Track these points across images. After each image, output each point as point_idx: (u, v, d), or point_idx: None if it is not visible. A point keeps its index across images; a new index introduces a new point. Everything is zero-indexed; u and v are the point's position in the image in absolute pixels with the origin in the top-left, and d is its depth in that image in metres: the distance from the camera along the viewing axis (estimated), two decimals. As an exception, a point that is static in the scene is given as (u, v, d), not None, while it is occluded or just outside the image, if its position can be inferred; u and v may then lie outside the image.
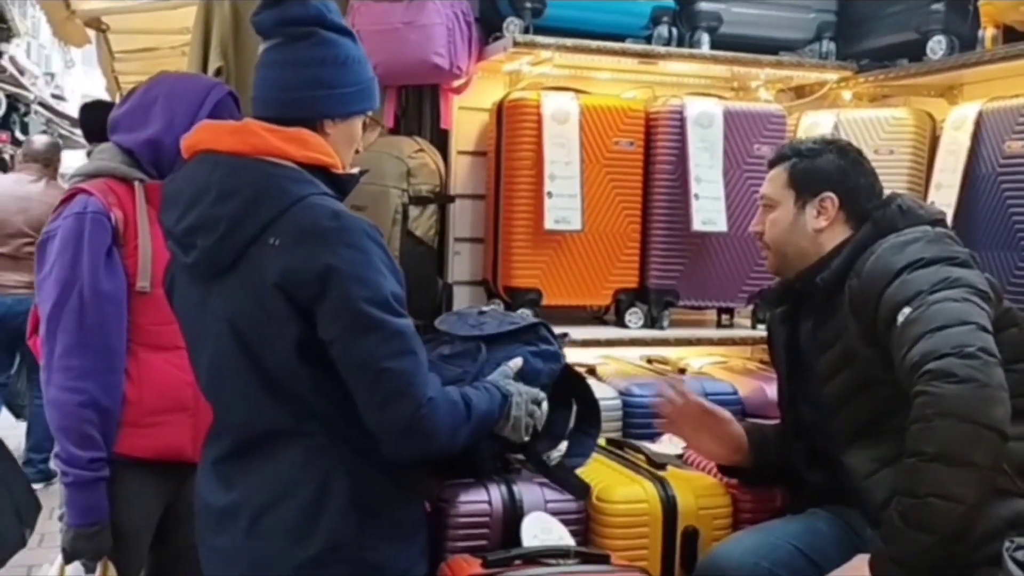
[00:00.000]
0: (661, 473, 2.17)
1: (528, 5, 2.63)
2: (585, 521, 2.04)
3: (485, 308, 2.21)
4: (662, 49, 2.80)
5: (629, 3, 2.80)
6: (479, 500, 1.96)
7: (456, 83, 2.80)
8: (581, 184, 2.71)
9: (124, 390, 2.06)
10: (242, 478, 1.69)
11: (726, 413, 2.20)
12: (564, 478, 2.04)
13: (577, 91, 2.81)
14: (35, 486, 5.06)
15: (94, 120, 3.23)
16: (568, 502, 2.01)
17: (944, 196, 2.58)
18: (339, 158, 1.70)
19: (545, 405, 1.90)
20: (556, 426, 2.04)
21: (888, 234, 1.95)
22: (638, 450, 2.30)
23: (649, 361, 2.99)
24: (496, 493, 1.98)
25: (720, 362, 3.01)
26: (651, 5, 2.81)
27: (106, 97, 6.64)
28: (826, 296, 2.00)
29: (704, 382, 2.70)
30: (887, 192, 2.10)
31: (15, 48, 12.79)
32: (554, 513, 1.98)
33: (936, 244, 1.89)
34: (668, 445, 2.43)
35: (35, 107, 13.99)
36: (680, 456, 2.35)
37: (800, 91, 3.14)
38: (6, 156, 12.34)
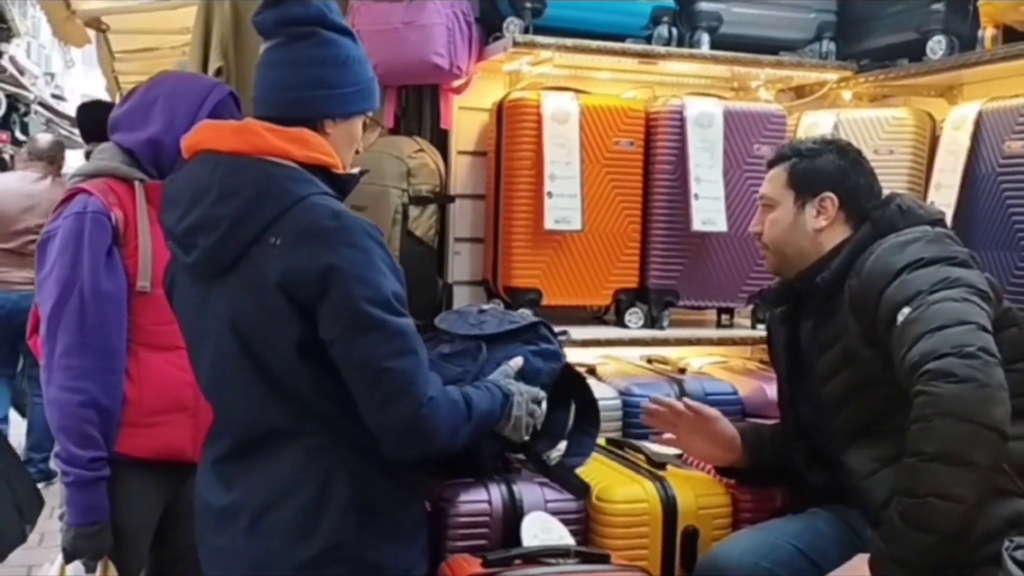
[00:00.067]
0: (661, 473, 2.17)
1: (528, 5, 2.63)
2: (585, 521, 2.04)
3: (485, 307, 2.20)
4: (662, 49, 2.80)
5: (629, 3, 2.80)
6: (479, 500, 1.96)
7: (456, 83, 2.80)
8: (581, 184, 2.71)
9: (124, 390, 2.07)
10: (242, 478, 1.69)
11: (713, 411, 2.20)
12: (564, 477, 2.04)
13: (577, 91, 2.81)
14: (39, 486, 5.07)
15: (91, 120, 3.24)
16: (568, 502, 2.01)
17: (944, 196, 2.58)
18: (339, 158, 1.70)
19: (544, 404, 1.90)
20: (555, 426, 2.05)
21: (888, 234, 1.95)
22: (638, 450, 2.30)
23: (649, 361, 2.98)
24: (496, 493, 1.98)
25: (720, 362, 3.01)
26: (651, 5, 2.81)
27: (106, 97, 6.65)
28: (826, 296, 2.00)
29: (704, 382, 2.70)
30: (886, 192, 2.10)
31: (15, 48, 12.79)
32: (554, 513, 1.98)
33: (936, 244, 1.89)
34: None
35: (35, 107, 13.99)
36: (680, 456, 2.34)
37: (800, 91, 3.14)
38: (6, 156, 12.35)
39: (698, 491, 2.12)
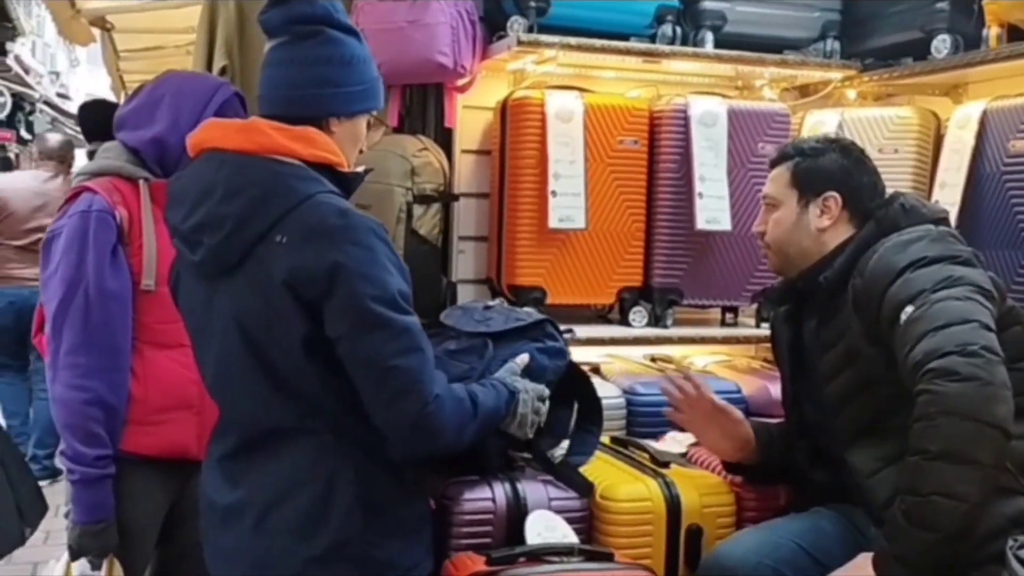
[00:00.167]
0: (665, 471, 2.17)
1: (532, 4, 2.63)
2: (589, 519, 2.05)
3: (491, 303, 2.21)
4: (666, 48, 2.80)
5: (633, 2, 2.80)
6: (483, 498, 1.96)
7: (460, 82, 2.80)
8: (585, 183, 2.71)
9: (129, 388, 2.07)
10: (248, 476, 1.70)
11: (739, 413, 2.20)
12: (568, 476, 2.04)
13: (581, 90, 2.81)
14: (40, 483, 5.09)
15: (92, 120, 3.24)
16: (572, 500, 2.02)
17: (948, 195, 2.58)
18: (344, 157, 1.71)
19: (547, 402, 1.90)
20: (557, 425, 2.05)
21: (891, 233, 1.95)
22: (642, 448, 2.30)
23: (653, 360, 2.99)
24: (500, 491, 1.98)
25: (724, 361, 3.01)
26: (655, 4, 2.81)
27: (111, 96, 6.67)
28: (829, 295, 2.00)
29: (708, 381, 2.69)
30: (890, 191, 2.10)
31: (20, 47, 12.81)
32: (558, 511, 1.98)
33: (939, 243, 1.89)
34: (672, 444, 2.43)
35: (40, 106, 14.01)
36: (684, 455, 2.35)
37: (804, 90, 3.14)
38: (11, 155, 12.37)
39: (702, 490, 2.13)
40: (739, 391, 2.67)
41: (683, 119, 2.78)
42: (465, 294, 2.89)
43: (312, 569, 1.63)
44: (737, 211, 2.79)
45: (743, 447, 2.17)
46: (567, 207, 2.69)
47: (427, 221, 2.76)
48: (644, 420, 2.59)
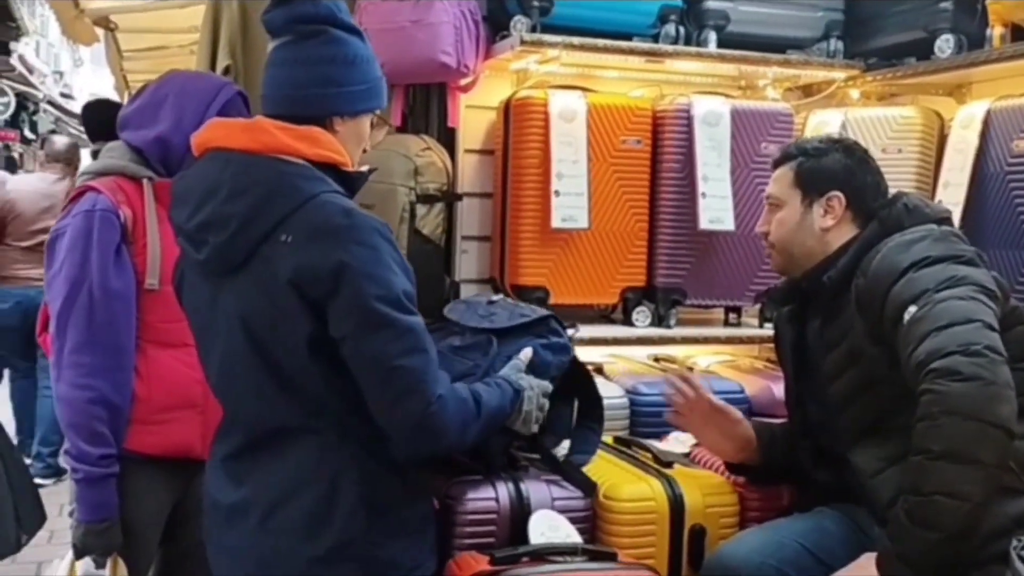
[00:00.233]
0: (668, 471, 2.17)
1: (535, 4, 2.63)
2: (592, 519, 2.04)
3: (494, 297, 2.20)
4: (669, 48, 2.80)
5: (636, 2, 2.80)
6: (486, 498, 1.96)
7: (463, 81, 2.80)
8: (588, 182, 2.71)
9: (133, 387, 2.08)
10: (252, 475, 1.70)
11: (737, 413, 2.20)
12: (572, 475, 2.04)
13: (584, 89, 2.81)
14: (44, 482, 5.13)
15: (96, 119, 3.25)
16: (575, 500, 2.01)
17: (952, 195, 2.58)
18: (348, 156, 1.71)
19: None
20: (559, 421, 2.05)
21: (894, 233, 1.95)
22: (645, 448, 2.30)
23: (656, 360, 2.99)
24: (503, 491, 1.98)
25: (727, 361, 3.01)
26: (658, 4, 2.81)
27: (115, 96, 6.68)
28: (832, 295, 2.00)
29: (712, 381, 2.70)
30: (893, 191, 2.10)
31: (24, 47, 12.85)
32: (561, 511, 1.98)
33: (942, 242, 1.88)
34: (675, 444, 2.43)
35: (44, 106, 14.06)
36: (687, 455, 2.35)
37: (808, 90, 3.13)
38: (15, 154, 12.40)
39: (705, 490, 2.12)
40: (742, 391, 2.67)
41: (686, 119, 2.78)
42: (468, 294, 2.89)
43: (316, 568, 1.63)
44: (740, 211, 2.79)
45: (744, 447, 2.17)
46: (570, 207, 2.69)
47: (430, 221, 2.76)
48: (647, 420, 2.59)
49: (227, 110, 2.12)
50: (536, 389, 1.86)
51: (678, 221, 2.81)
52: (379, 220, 1.63)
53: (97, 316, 2.02)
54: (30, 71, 13.11)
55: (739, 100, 2.93)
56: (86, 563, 2.06)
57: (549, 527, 1.93)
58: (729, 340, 2.95)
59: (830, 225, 2.06)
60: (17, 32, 11.87)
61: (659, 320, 2.84)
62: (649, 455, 2.27)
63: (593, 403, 2.14)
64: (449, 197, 2.82)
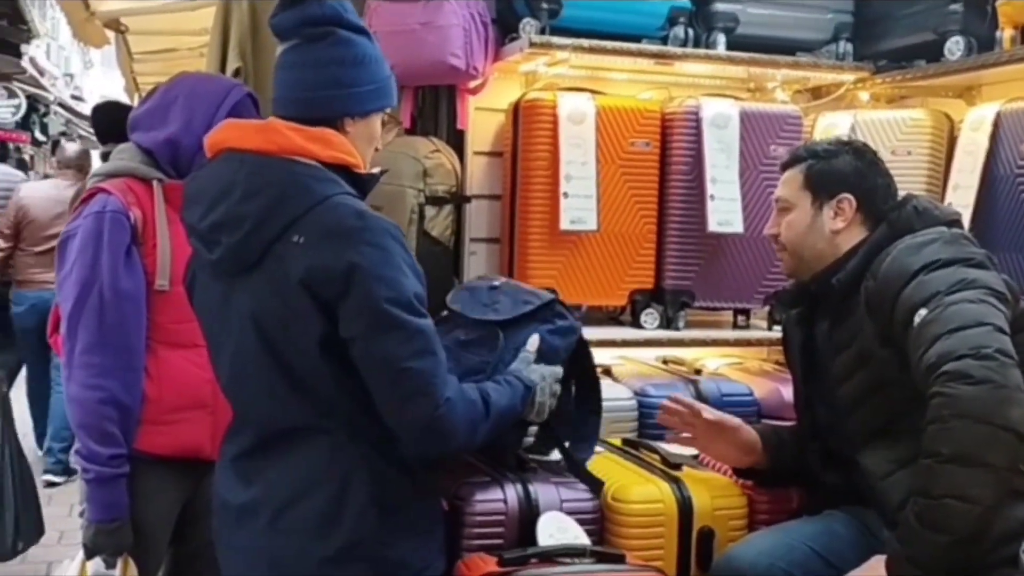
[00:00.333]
0: (676, 473, 2.17)
1: (544, 6, 2.63)
2: (600, 521, 2.05)
3: (496, 281, 2.17)
4: (678, 50, 2.80)
5: (645, 4, 2.80)
6: (495, 499, 1.97)
7: (472, 84, 2.80)
8: (597, 184, 2.71)
9: (144, 387, 2.08)
10: (262, 475, 1.70)
11: (735, 420, 2.19)
12: (579, 472, 2.05)
13: (593, 92, 2.81)
14: (56, 479, 5.17)
15: (105, 121, 3.26)
16: (584, 502, 2.02)
17: (962, 197, 2.57)
18: (360, 157, 1.71)
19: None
20: (565, 405, 2.03)
21: (904, 235, 1.94)
22: (653, 450, 2.30)
23: (665, 362, 2.98)
24: (512, 492, 1.98)
25: (736, 363, 3.00)
26: (667, 6, 2.80)
27: (124, 98, 6.71)
28: (842, 297, 1.99)
29: (720, 383, 2.70)
30: (902, 193, 2.10)
31: (35, 49, 12.90)
32: (569, 512, 1.98)
33: (952, 245, 1.88)
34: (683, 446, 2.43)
35: (54, 108, 14.09)
36: (695, 457, 2.34)
37: (817, 92, 3.13)
38: (26, 156, 12.44)
39: (714, 492, 2.12)
40: (751, 394, 2.67)
41: (695, 121, 2.78)
42: (477, 296, 2.90)
43: (325, 569, 1.63)
44: (749, 213, 2.79)
45: (748, 452, 2.17)
46: (579, 209, 2.69)
47: (439, 223, 2.77)
48: (655, 422, 2.57)
49: (237, 112, 2.13)
50: (548, 379, 1.87)
51: (687, 223, 2.81)
52: (391, 222, 1.64)
53: (107, 317, 2.03)
54: (41, 73, 13.16)
55: (748, 102, 2.92)
56: (96, 563, 2.07)
57: (557, 528, 1.93)
58: (738, 342, 2.95)
59: (840, 227, 2.05)
60: (28, 34, 11.91)
61: (667, 322, 2.84)
62: (657, 457, 2.27)
63: (591, 385, 2.11)
64: (458, 199, 2.82)
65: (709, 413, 2.19)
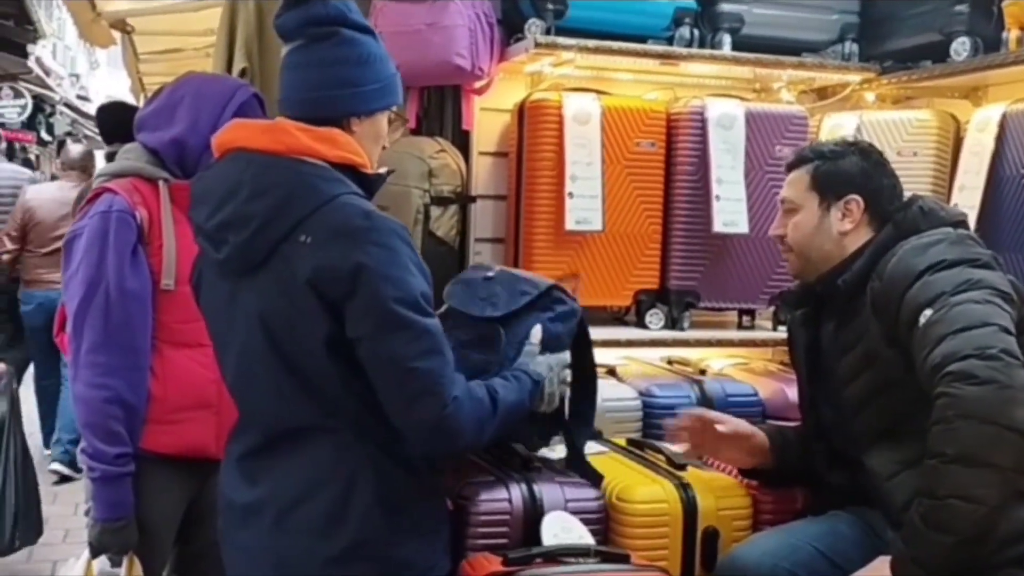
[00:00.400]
0: (681, 474, 2.17)
1: (550, 6, 2.63)
2: (605, 520, 2.04)
3: (490, 272, 2.13)
4: (684, 50, 2.80)
5: (651, 4, 2.80)
6: (500, 499, 1.97)
7: (478, 84, 2.81)
8: (602, 185, 2.71)
9: (149, 387, 2.09)
10: (268, 474, 1.71)
11: (749, 428, 2.18)
12: (580, 465, 2.05)
13: (598, 92, 2.81)
14: (63, 469, 5.21)
15: (111, 121, 3.26)
16: (588, 501, 2.02)
17: (968, 198, 2.57)
18: (367, 156, 1.71)
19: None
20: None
21: (910, 236, 1.94)
22: (658, 450, 2.30)
23: (669, 362, 2.98)
24: (516, 492, 1.98)
25: (741, 364, 3.00)
26: (673, 6, 2.80)
27: (130, 98, 6.73)
28: (847, 298, 1.99)
29: (725, 383, 2.70)
30: (908, 194, 2.10)
31: (41, 49, 12.93)
32: (574, 512, 1.98)
33: (958, 246, 1.88)
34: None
35: (60, 108, 14.13)
36: (700, 457, 2.34)
37: (822, 92, 3.13)
38: (32, 156, 12.47)
39: (718, 492, 2.13)
40: (756, 394, 2.67)
41: (700, 121, 2.78)
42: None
43: (331, 568, 1.63)
44: (754, 214, 2.79)
45: (756, 454, 2.17)
46: (584, 209, 2.69)
47: (444, 223, 2.77)
48: (660, 422, 2.57)
49: (243, 112, 2.13)
50: (555, 369, 1.87)
51: (692, 223, 2.81)
52: (398, 222, 1.64)
53: (113, 316, 2.04)
54: (47, 73, 13.19)
55: (753, 103, 2.92)
56: (102, 561, 2.07)
57: (562, 528, 1.93)
58: (743, 343, 2.95)
59: (848, 228, 2.05)
60: (34, 35, 11.95)
61: (672, 322, 2.84)
62: (662, 457, 2.27)
63: (587, 367, 2.09)
64: (463, 199, 2.83)
65: (725, 426, 2.17)
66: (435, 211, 2.75)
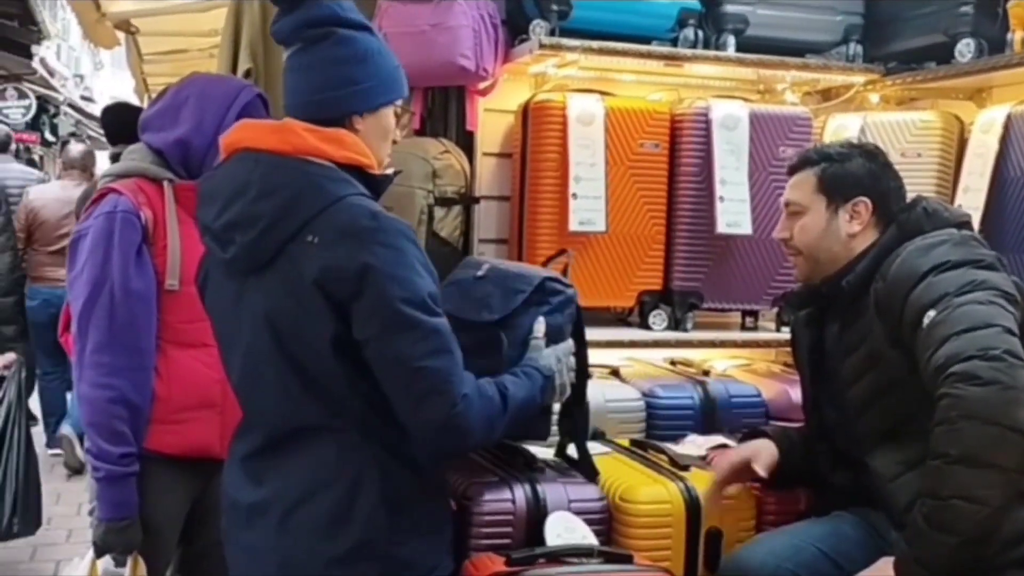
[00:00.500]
0: (684, 474, 2.17)
1: (554, 7, 2.63)
2: (608, 521, 2.05)
3: (480, 270, 2.10)
4: (688, 51, 2.80)
5: (655, 5, 2.80)
6: (503, 499, 1.97)
7: (482, 85, 2.81)
8: (606, 186, 2.71)
9: (153, 387, 2.09)
10: (273, 474, 1.71)
11: (776, 455, 2.13)
12: (580, 451, 2.07)
13: (602, 93, 2.81)
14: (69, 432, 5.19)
15: (115, 122, 3.27)
16: (591, 502, 2.02)
17: (972, 199, 2.57)
18: (374, 153, 1.71)
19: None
20: None
21: (914, 237, 1.94)
22: (661, 451, 2.30)
23: (673, 363, 2.98)
24: (520, 492, 1.98)
25: (744, 365, 3.00)
26: (677, 7, 2.80)
27: (134, 99, 6.75)
28: (851, 299, 1.99)
29: (728, 385, 2.69)
30: (912, 195, 2.10)
31: (45, 50, 12.95)
32: (577, 512, 1.98)
33: (962, 247, 1.88)
34: (691, 447, 2.43)
35: (64, 108, 14.14)
36: (703, 458, 2.34)
37: (827, 94, 3.12)
38: (36, 156, 12.49)
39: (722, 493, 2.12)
40: (759, 395, 2.67)
41: (704, 123, 2.78)
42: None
43: (335, 569, 1.63)
44: (758, 215, 2.79)
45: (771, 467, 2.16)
46: (587, 210, 2.69)
47: (448, 223, 2.78)
48: (663, 423, 2.58)
49: (247, 113, 2.13)
50: (563, 359, 1.87)
51: (695, 225, 2.81)
52: (405, 223, 1.64)
53: (118, 316, 2.04)
54: (51, 74, 13.21)
55: (757, 104, 2.92)
56: (106, 561, 2.08)
57: (565, 528, 1.93)
58: (746, 344, 2.94)
59: (857, 231, 2.05)
60: (39, 35, 11.97)
61: (676, 323, 2.84)
62: (665, 458, 2.27)
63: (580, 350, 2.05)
64: (467, 200, 2.83)
65: (764, 470, 2.10)
66: (439, 212, 2.75)
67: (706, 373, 2.84)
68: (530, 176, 2.79)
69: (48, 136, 13.48)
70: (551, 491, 2.00)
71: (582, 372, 2.03)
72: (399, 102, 1.78)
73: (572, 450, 2.13)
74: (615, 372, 2.78)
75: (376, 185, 1.72)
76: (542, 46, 2.61)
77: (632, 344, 2.81)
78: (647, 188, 2.81)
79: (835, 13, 2.94)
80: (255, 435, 1.75)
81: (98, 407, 2.04)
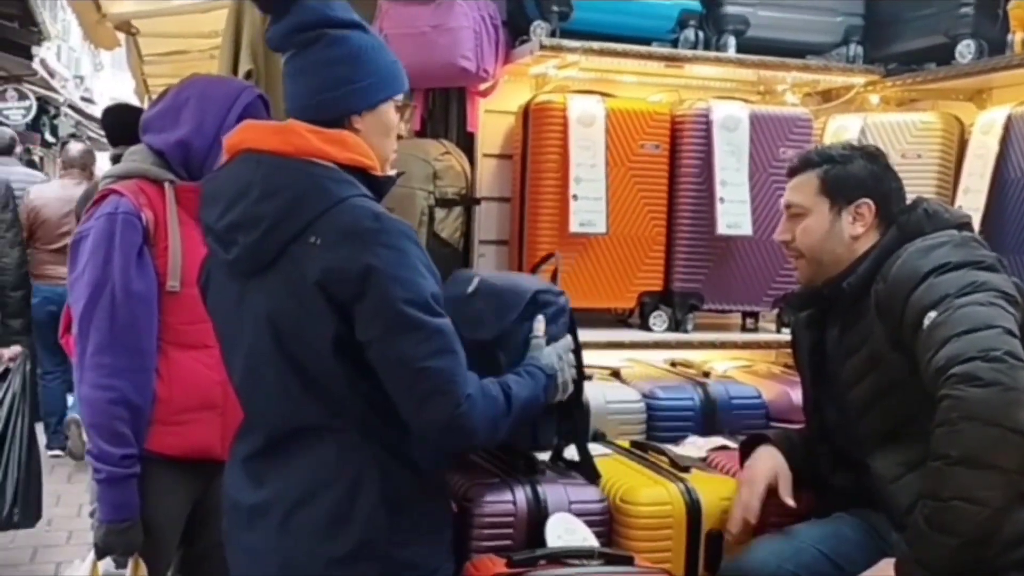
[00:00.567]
0: (685, 476, 2.17)
1: (555, 8, 2.64)
2: (609, 522, 2.05)
3: (470, 286, 2.08)
4: (688, 52, 2.80)
5: (656, 6, 2.80)
6: (504, 500, 1.97)
7: (483, 86, 2.81)
8: (606, 187, 2.71)
9: (154, 388, 2.09)
10: (274, 474, 1.71)
11: (788, 481, 2.10)
12: (583, 462, 2.06)
13: (603, 94, 2.81)
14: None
15: (116, 124, 3.27)
16: (592, 503, 2.02)
17: (972, 200, 2.57)
18: (378, 150, 1.71)
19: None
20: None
21: (914, 238, 1.94)
22: (661, 452, 2.30)
23: (673, 364, 2.98)
24: (521, 494, 1.98)
25: (744, 366, 3.00)
26: (678, 8, 2.80)
27: (134, 100, 6.76)
28: (852, 300, 1.99)
29: (728, 386, 2.69)
30: (912, 196, 2.10)
31: (46, 51, 12.94)
32: (578, 514, 1.98)
33: (963, 248, 1.88)
34: (692, 448, 2.43)
35: (64, 109, 14.13)
36: (704, 459, 2.35)
37: (827, 95, 3.13)
38: (36, 157, 12.49)
39: (722, 494, 2.12)
40: (759, 396, 2.67)
41: (705, 124, 2.79)
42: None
43: (335, 569, 1.63)
44: (758, 216, 2.79)
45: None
46: (588, 211, 2.69)
47: (449, 224, 2.78)
48: (664, 424, 2.58)
49: (248, 114, 2.13)
50: (564, 356, 1.88)
51: (696, 226, 2.81)
52: (407, 224, 1.64)
53: (119, 318, 2.04)
54: (51, 75, 13.20)
55: (758, 105, 2.92)
56: (107, 563, 2.08)
57: (566, 530, 1.94)
58: (746, 345, 2.95)
59: (860, 232, 2.05)
60: (39, 36, 11.96)
61: (676, 325, 2.84)
62: (666, 459, 2.27)
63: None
64: (467, 201, 2.83)
65: (791, 497, 2.08)
66: (439, 213, 2.75)
67: (706, 374, 2.84)
68: (531, 177, 2.79)
69: (48, 137, 13.47)
70: (552, 492, 2.00)
71: (578, 376, 2.02)
72: (399, 97, 1.78)
73: (569, 453, 2.13)
74: (615, 373, 2.78)
75: (379, 186, 1.72)
76: (543, 47, 2.62)
77: (632, 345, 2.81)
78: (647, 189, 2.81)
79: (835, 14, 2.94)
80: (256, 436, 1.75)
81: (99, 408, 2.04)
